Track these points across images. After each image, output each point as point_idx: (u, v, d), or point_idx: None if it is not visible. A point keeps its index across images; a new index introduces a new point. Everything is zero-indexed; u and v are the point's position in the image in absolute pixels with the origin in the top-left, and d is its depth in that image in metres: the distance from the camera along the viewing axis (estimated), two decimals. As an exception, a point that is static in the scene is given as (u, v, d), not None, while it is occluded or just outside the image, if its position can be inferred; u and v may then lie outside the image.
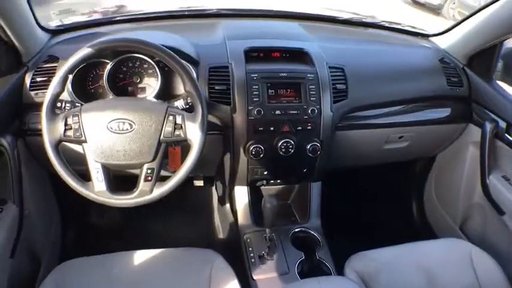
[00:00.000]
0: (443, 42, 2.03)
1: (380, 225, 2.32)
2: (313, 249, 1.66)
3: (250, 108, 1.54)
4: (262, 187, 1.84)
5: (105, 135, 1.26)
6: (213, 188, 2.35)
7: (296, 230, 1.72)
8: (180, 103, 1.52)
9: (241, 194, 1.76)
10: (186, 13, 2.04)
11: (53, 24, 1.91)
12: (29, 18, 1.60)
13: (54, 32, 1.85)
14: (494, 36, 1.73)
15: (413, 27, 2.17)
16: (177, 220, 2.30)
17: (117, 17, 2.04)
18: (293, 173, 1.73)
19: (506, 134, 1.78)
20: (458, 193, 2.06)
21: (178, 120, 1.32)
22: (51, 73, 1.57)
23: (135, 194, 1.31)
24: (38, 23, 1.71)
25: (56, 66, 1.59)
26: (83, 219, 2.29)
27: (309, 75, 1.60)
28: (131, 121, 1.28)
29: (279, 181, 1.79)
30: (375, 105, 1.76)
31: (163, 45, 1.33)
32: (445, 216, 2.17)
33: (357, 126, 1.76)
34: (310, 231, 1.72)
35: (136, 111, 1.29)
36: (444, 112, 1.92)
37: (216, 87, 1.57)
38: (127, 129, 1.27)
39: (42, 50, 1.70)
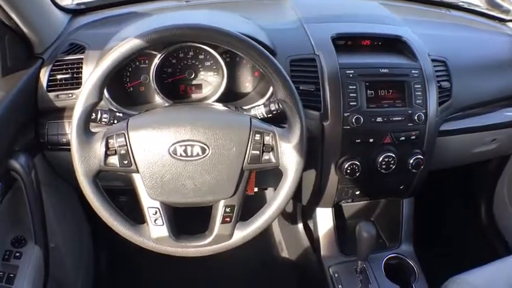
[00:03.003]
0: None
1: (455, 234, 2.01)
2: (408, 280, 1.33)
3: (345, 114, 1.15)
4: (343, 204, 1.47)
5: (166, 163, 0.90)
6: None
7: (388, 256, 1.38)
8: (259, 110, 1.08)
9: (324, 218, 1.39)
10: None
11: (73, 2, 1.44)
12: None
13: (75, 13, 1.39)
14: None
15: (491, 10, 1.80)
16: None
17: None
18: (388, 190, 1.37)
19: None
20: None
21: (268, 139, 0.94)
22: (76, 68, 1.15)
23: (211, 239, 0.95)
24: (53, 1, 1.25)
25: (82, 58, 1.16)
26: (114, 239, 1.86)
27: (413, 72, 1.21)
28: (203, 143, 0.90)
29: (366, 198, 1.43)
30: (476, 105, 1.41)
31: None
32: None
33: (455, 132, 1.40)
34: (403, 257, 1.39)
35: (210, 128, 0.91)
36: None
37: (300, 87, 1.15)
38: (198, 155, 0.90)
39: (61, 37, 1.25)
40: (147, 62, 1.20)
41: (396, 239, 1.43)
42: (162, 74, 1.20)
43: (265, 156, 0.94)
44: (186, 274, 1.52)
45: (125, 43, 0.87)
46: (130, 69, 1.21)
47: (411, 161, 1.23)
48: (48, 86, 1.14)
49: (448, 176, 1.98)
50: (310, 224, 1.42)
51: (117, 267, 1.73)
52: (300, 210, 1.49)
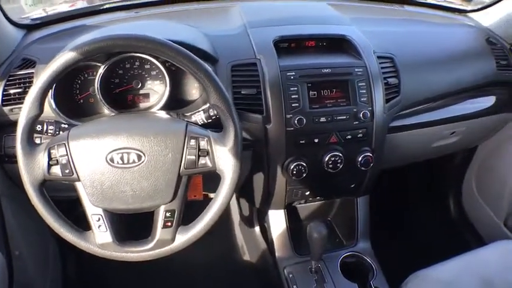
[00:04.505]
0: (486, 19, 1.63)
1: (420, 229, 1.97)
2: (367, 277, 1.31)
3: (288, 116, 1.13)
4: (298, 205, 1.45)
5: (104, 171, 0.90)
6: (236, 203, 1.92)
7: (344, 255, 1.35)
8: (199, 116, 1.07)
9: (277, 219, 1.37)
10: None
11: (28, 17, 1.44)
12: None
13: (30, 28, 1.38)
14: None
15: (450, 2, 1.76)
16: None
17: (108, 4, 1.56)
18: (339, 189, 1.35)
19: None
20: (503, 186, 1.73)
21: (203, 144, 0.94)
22: (27, 82, 1.15)
23: (153, 244, 0.95)
24: (6, 17, 1.27)
25: (32, 72, 1.16)
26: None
27: (356, 70, 1.19)
28: (139, 150, 0.90)
29: (318, 198, 1.40)
30: (428, 100, 1.37)
31: (171, 41, 0.93)
32: (487, 211, 1.84)
33: (408, 127, 1.37)
34: (360, 255, 1.36)
35: (145, 135, 0.90)
36: (491, 100, 1.56)
37: (242, 91, 1.15)
38: (134, 162, 0.90)
39: (15, 52, 1.25)
40: (94, 73, 1.19)
41: (353, 238, 1.40)
42: (110, 84, 1.20)
43: (202, 161, 0.94)
44: (150, 278, 1.51)
45: (59, 57, 0.87)
46: (79, 81, 1.20)
47: (359, 159, 1.21)
48: (2, 100, 1.14)
49: (415, 171, 1.96)
50: (266, 226, 1.40)
51: (85, 271, 1.72)
52: (255, 213, 1.47)
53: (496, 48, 1.54)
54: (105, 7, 1.51)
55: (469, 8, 1.72)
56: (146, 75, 1.21)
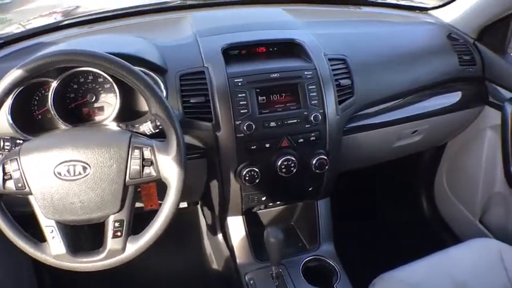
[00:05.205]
0: (448, 16, 1.62)
1: (391, 230, 1.94)
2: (330, 281, 1.29)
3: (237, 123, 1.13)
4: (259, 211, 1.43)
5: (53, 183, 0.91)
6: (200, 211, 1.91)
7: (306, 259, 1.33)
8: (147, 127, 1.08)
9: (236, 226, 1.35)
10: (146, 8, 1.57)
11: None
12: None
13: None
14: None
15: (410, 1, 1.75)
16: (161, 248, 1.85)
17: (64, 21, 1.56)
18: (296, 193, 1.33)
19: None
20: (476, 183, 1.71)
21: (147, 153, 0.94)
22: None
23: (104, 254, 0.96)
24: None
25: None
26: None
27: (306, 73, 1.18)
28: (84, 162, 0.91)
29: (278, 203, 1.39)
30: (385, 100, 1.36)
31: (117, 53, 0.95)
32: (461, 209, 1.81)
33: (366, 127, 1.35)
34: (323, 258, 1.34)
35: (89, 147, 0.92)
36: (456, 97, 1.54)
37: (191, 100, 1.14)
38: (80, 174, 0.92)
39: None
40: (49, 90, 1.19)
41: (315, 241, 1.38)
42: (66, 99, 1.19)
43: (146, 170, 0.94)
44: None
45: (7, 76, 0.89)
46: (37, 97, 1.20)
47: (314, 162, 1.20)
48: None
49: (384, 171, 1.93)
50: (227, 233, 1.39)
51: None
52: (218, 220, 1.46)
53: (458, 43, 1.53)
54: (62, 24, 1.51)
55: (430, 5, 1.70)
56: (100, 89, 1.21)
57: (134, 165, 0.93)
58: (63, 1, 2.03)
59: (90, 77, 1.20)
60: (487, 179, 1.67)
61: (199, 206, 1.83)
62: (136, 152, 0.94)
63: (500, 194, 1.62)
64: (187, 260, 1.79)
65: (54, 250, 0.95)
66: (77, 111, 1.21)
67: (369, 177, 1.99)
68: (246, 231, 1.35)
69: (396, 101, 1.40)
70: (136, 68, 0.94)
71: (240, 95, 1.13)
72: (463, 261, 1.26)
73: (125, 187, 0.94)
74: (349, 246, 1.44)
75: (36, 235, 0.98)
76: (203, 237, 1.83)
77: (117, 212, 0.95)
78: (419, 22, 1.63)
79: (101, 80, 1.20)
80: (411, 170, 2.00)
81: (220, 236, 1.46)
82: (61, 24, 1.52)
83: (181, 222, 1.91)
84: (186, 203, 1.73)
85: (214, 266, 1.66)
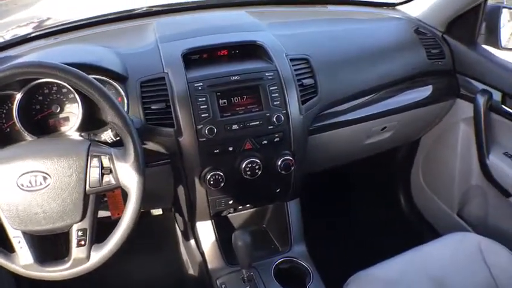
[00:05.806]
0: (415, 10, 1.62)
1: (369, 228, 1.93)
2: (303, 282, 1.27)
3: (199, 127, 1.12)
4: (229, 215, 1.42)
5: (17, 195, 0.92)
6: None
7: (278, 261, 1.32)
8: (108, 135, 1.09)
9: (206, 231, 1.34)
10: (113, 17, 1.56)
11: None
12: None
13: None
14: None
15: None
16: (138, 255, 1.78)
17: (32, 33, 1.55)
18: (264, 195, 1.32)
19: (502, 105, 1.44)
20: (452, 177, 1.70)
21: (106, 162, 0.95)
22: None
23: (69, 263, 0.97)
24: None
25: None
26: None
27: (267, 74, 1.17)
28: (44, 173, 0.92)
29: (248, 206, 1.37)
30: (350, 97, 1.35)
31: (75, 63, 0.96)
32: (439, 203, 1.80)
33: (332, 126, 1.34)
34: (295, 259, 1.32)
35: (49, 157, 0.93)
36: (427, 91, 1.53)
37: (152, 107, 1.13)
38: (41, 184, 0.92)
39: None
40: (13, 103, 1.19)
41: (287, 243, 1.37)
42: (32, 111, 1.19)
43: (106, 178, 0.95)
44: None
45: None
46: (4, 110, 1.20)
47: (279, 163, 1.19)
48: None
49: (359, 169, 1.92)
50: (197, 238, 1.38)
51: None
52: (189, 226, 1.45)
53: (425, 37, 1.52)
54: (30, 36, 1.50)
55: (397, 1, 1.70)
56: (64, 99, 1.20)
57: (93, 173, 0.93)
58: (34, 13, 2.02)
59: (55, 88, 1.19)
60: (463, 172, 1.66)
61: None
62: (95, 161, 0.94)
63: (477, 186, 1.61)
64: (164, 266, 1.78)
65: (23, 260, 0.96)
66: (43, 123, 1.20)
67: (345, 176, 1.98)
68: (216, 235, 1.34)
69: (365, 98, 1.39)
70: (90, 77, 0.94)
71: (200, 99, 1.12)
72: (441, 256, 1.25)
73: (86, 196, 0.94)
74: (324, 246, 1.43)
75: (6, 246, 0.98)
76: (180, 244, 1.82)
77: (80, 221, 0.95)
78: (386, 18, 1.63)
79: (65, 90, 1.19)
80: (387, 167, 1.99)
81: (192, 241, 1.45)
82: (28, 36, 1.51)
83: (159, 228, 1.90)
84: (160, 209, 1.71)
85: (190, 271, 1.65)
